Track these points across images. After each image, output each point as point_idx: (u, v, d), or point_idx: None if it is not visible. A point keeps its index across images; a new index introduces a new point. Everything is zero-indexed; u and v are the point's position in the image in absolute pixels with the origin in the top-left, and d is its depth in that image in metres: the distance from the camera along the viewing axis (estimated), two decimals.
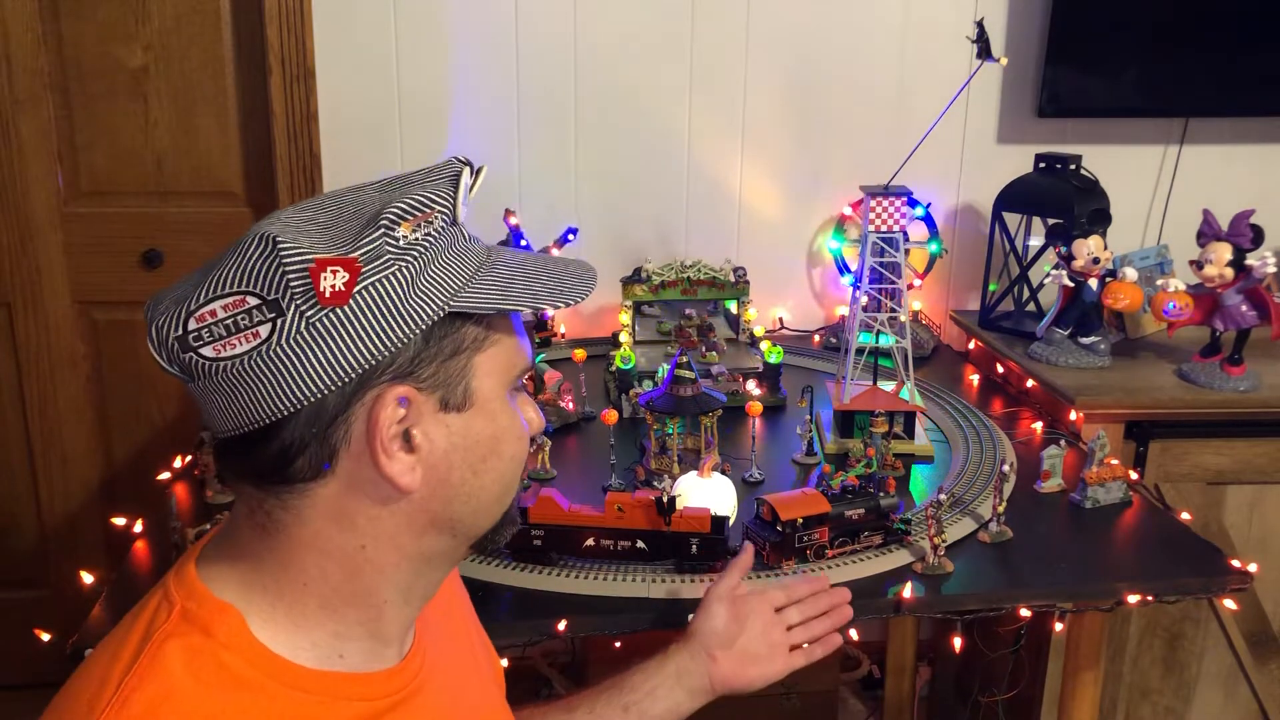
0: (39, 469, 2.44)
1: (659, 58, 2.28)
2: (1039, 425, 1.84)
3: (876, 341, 1.73)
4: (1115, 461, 1.59)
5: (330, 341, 0.67)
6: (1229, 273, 1.85)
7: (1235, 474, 1.92)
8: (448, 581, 0.95)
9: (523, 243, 1.89)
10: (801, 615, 1.22)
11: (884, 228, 1.65)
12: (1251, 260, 1.84)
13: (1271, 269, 1.82)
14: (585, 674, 2.19)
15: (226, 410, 0.69)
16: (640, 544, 1.33)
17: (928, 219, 2.27)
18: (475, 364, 0.73)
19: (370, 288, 0.68)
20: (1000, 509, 1.45)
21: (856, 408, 1.71)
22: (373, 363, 0.68)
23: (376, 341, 0.68)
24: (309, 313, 0.66)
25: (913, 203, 2.25)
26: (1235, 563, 1.41)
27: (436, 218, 0.71)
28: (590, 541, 1.34)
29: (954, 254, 2.44)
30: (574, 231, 1.92)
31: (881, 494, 1.41)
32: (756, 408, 1.66)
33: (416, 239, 0.70)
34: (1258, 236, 1.83)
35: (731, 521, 1.43)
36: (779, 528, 1.33)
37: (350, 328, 0.67)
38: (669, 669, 1.14)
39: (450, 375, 0.72)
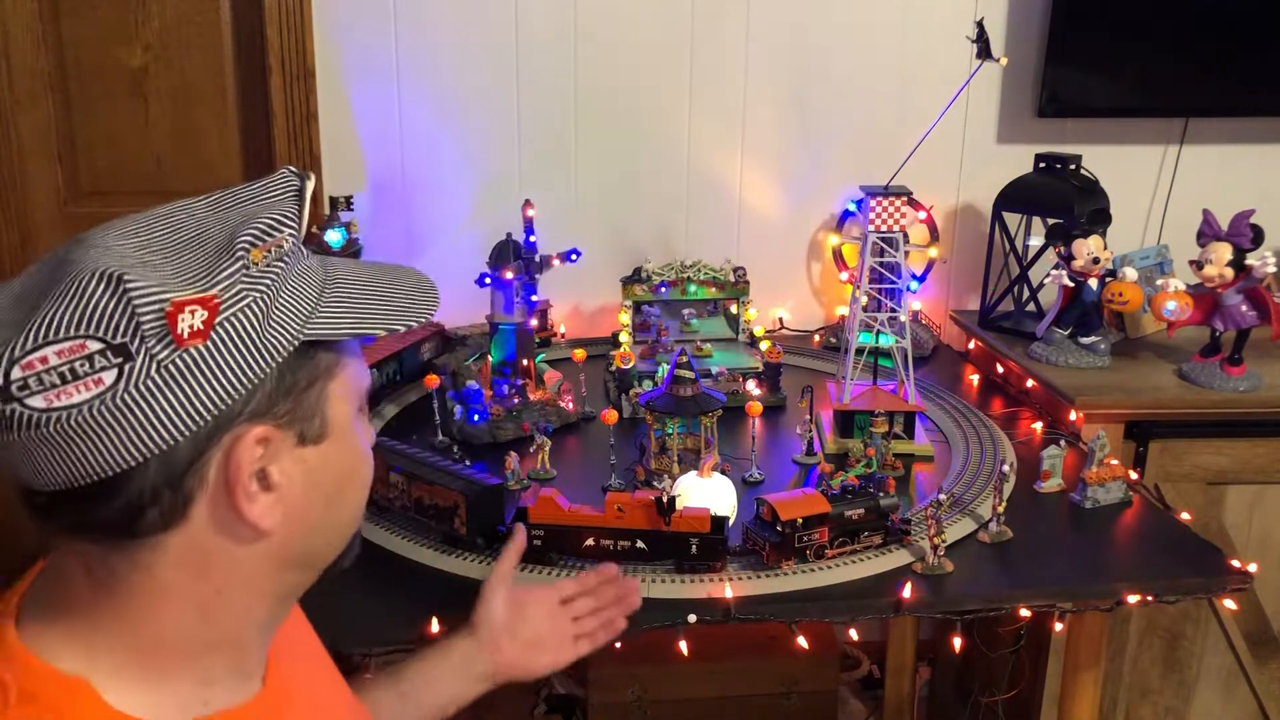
0: None
1: (659, 57, 2.28)
2: (1039, 425, 1.84)
3: (876, 341, 1.74)
4: (1115, 461, 1.59)
5: (184, 384, 0.62)
6: (1229, 273, 1.85)
7: (1235, 474, 1.92)
8: None
9: (532, 238, 1.88)
10: (592, 605, 1.23)
11: (884, 228, 1.65)
12: (1251, 260, 1.84)
13: (1271, 269, 1.82)
14: (585, 673, 2.19)
15: (58, 464, 0.62)
16: (640, 544, 1.33)
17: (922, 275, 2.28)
18: (329, 392, 0.70)
19: (225, 323, 0.63)
20: (1000, 509, 1.45)
21: (856, 408, 1.71)
22: (229, 403, 0.64)
23: (233, 380, 0.64)
24: (161, 355, 0.62)
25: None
26: (1235, 563, 1.40)
27: (286, 241, 0.67)
28: (590, 541, 1.34)
29: (954, 254, 2.44)
30: (577, 253, 1.93)
31: (881, 494, 1.41)
32: (756, 408, 1.66)
33: (268, 266, 0.66)
34: (1258, 236, 1.83)
35: (731, 521, 1.43)
36: (779, 528, 1.33)
37: (205, 368, 0.63)
38: (453, 658, 1.13)
39: (306, 408, 0.68)
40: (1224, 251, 1.84)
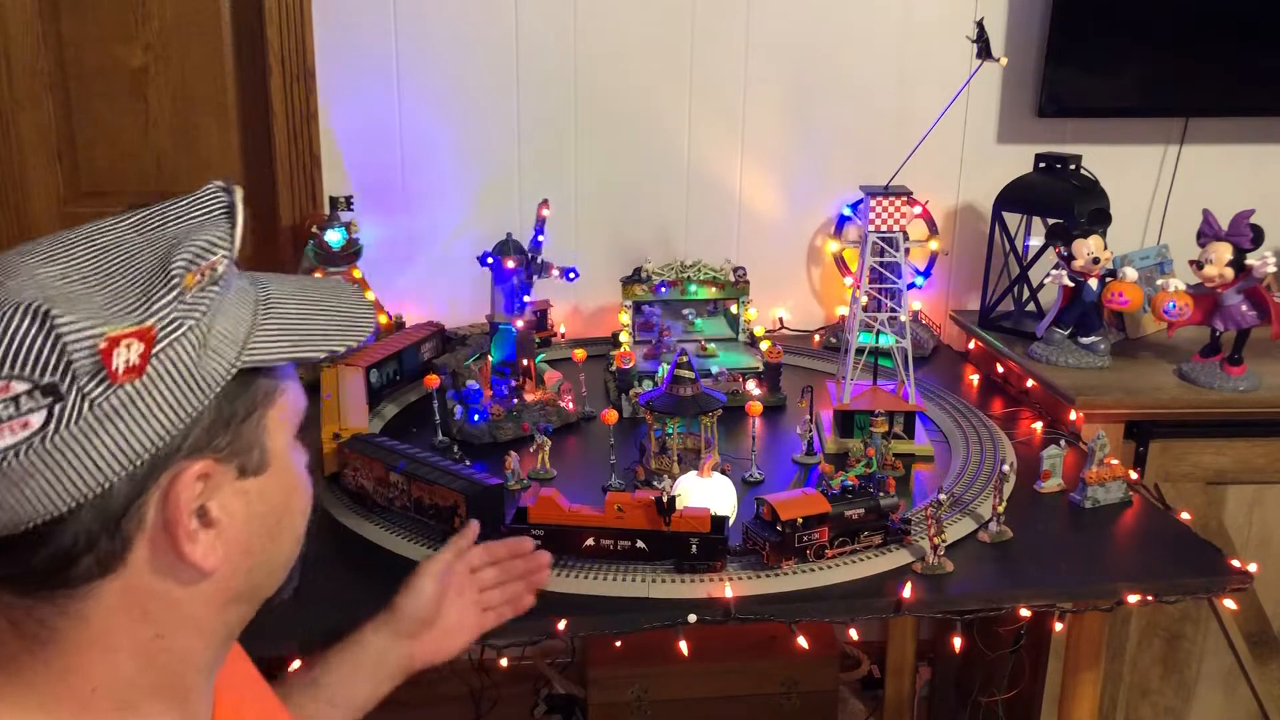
0: None
1: (659, 58, 2.28)
2: (1039, 425, 1.84)
3: (876, 341, 1.74)
4: (1115, 461, 1.59)
5: (119, 422, 0.59)
6: (1229, 273, 1.85)
7: (1235, 474, 1.92)
8: None
9: (541, 238, 1.88)
10: (498, 578, 1.21)
11: (884, 228, 1.65)
12: (1251, 260, 1.84)
13: (1271, 269, 1.82)
14: (585, 674, 2.19)
15: None
16: (640, 544, 1.33)
17: (929, 267, 2.28)
18: (268, 421, 0.67)
19: (161, 355, 0.60)
20: (1000, 509, 1.45)
21: (856, 408, 1.71)
22: (168, 439, 0.61)
23: (170, 415, 0.60)
24: (94, 393, 0.58)
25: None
26: (1235, 563, 1.40)
27: (220, 263, 0.63)
28: (590, 541, 1.34)
29: (954, 254, 2.44)
30: (576, 273, 1.92)
31: (881, 494, 1.41)
32: (756, 408, 1.66)
33: (202, 291, 0.62)
34: (1258, 236, 1.83)
35: (731, 521, 1.43)
36: (779, 528, 1.33)
37: (141, 404, 0.59)
38: (368, 655, 1.09)
39: (246, 439, 0.66)
40: (1224, 251, 1.84)
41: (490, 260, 1.83)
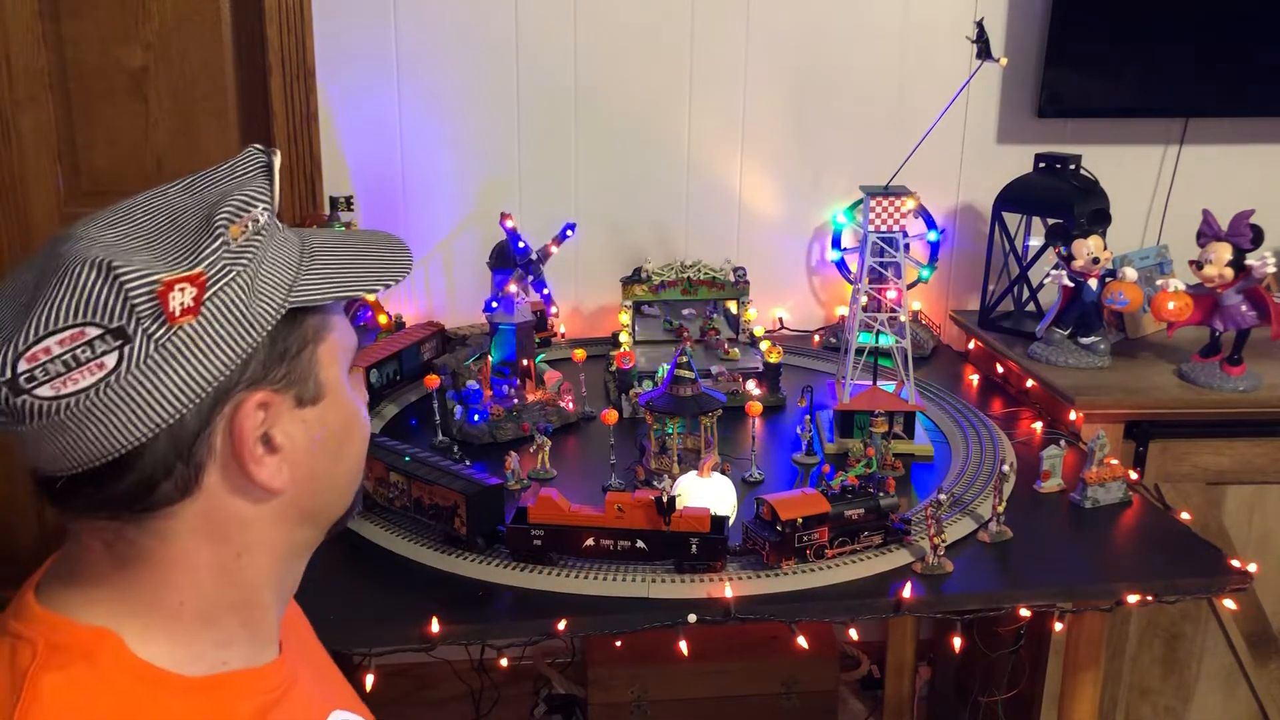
0: None
1: (659, 58, 2.28)
2: (1039, 425, 1.85)
3: (876, 341, 1.74)
4: (1115, 461, 1.59)
5: (182, 360, 0.66)
6: (1229, 273, 1.85)
7: (1235, 474, 1.92)
8: None
9: (520, 244, 1.89)
10: None
11: (884, 228, 1.65)
12: (1251, 260, 1.84)
13: (1271, 269, 1.82)
14: (585, 674, 2.19)
15: (72, 448, 0.66)
16: (640, 544, 1.33)
17: (927, 219, 2.28)
18: (319, 355, 0.74)
19: (214, 298, 0.67)
20: (1000, 509, 1.45)
21: (856, 408, 1.71)
22: (227, 373, 0.68)
23: (227, 351, 0.67)
24: (157, 334, 0.65)
25: (928, 222, 2.25)
26: (1235, 563, 1.41)
27: (261, 214, 0.71)
28: (590, 541, 1.34)
29: (954, 254, 2.44)
30: (571, 227, 1.92)
31: (881, 494, 1.41)
32: (756, 408, 1.66)
33: (247, 241, 0.69)
34: (1257, 236, 1.83)
35: (731, 521, 1.43)
36: (779, 528, 1.33)
37: (200, 343, 0.66)
38: None
39: (300, 371, 0.72)
40: (1224, 251, 1.84)
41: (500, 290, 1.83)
